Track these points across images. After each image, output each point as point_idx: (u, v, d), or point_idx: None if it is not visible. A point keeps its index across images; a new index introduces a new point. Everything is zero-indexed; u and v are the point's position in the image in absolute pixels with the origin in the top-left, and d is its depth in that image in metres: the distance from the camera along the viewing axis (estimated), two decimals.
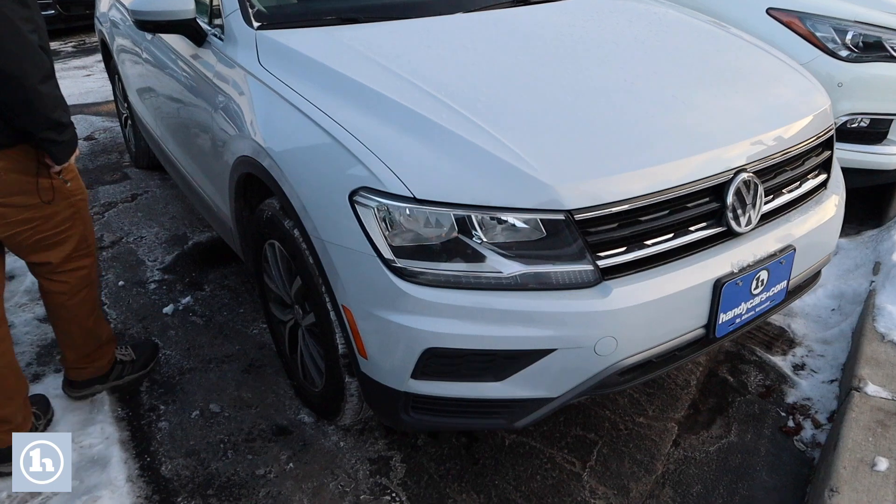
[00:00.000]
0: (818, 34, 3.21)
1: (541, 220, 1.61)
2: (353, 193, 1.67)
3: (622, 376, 1.76)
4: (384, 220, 1.63)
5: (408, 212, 1.61)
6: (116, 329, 2.79)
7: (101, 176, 4.39)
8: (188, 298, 3.00)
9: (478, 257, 1.62)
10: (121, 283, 3.12)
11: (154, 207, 3.88)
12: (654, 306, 1.68)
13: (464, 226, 1.61)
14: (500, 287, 1.62)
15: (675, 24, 2.55)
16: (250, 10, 2.33)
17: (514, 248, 1.63)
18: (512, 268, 1.61)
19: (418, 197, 1.60)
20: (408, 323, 1.64)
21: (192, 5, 2.39)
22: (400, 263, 1.63)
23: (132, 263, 3.30)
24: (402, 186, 1.61)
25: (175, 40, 2.71)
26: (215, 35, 2.44)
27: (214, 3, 2.50)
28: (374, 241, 1.64)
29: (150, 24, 2.41)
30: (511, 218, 1.60)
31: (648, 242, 1.72)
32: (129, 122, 4.22)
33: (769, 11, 3.26)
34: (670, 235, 1.75)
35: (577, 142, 1.72)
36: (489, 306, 1.62)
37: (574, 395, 1.74)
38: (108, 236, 3.58)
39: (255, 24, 2.29)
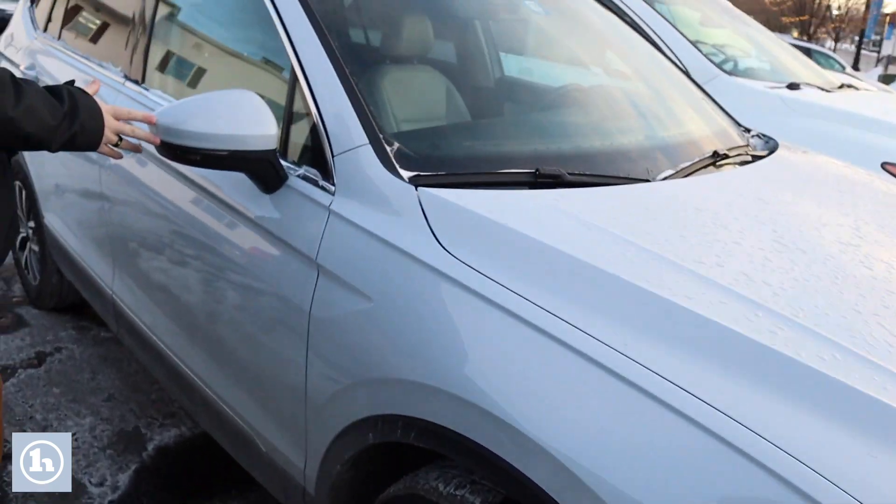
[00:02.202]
0: None
1: None
2: None
3: None
4: None
5: None
6: None
7: None
8: None
9: None
10: None
11: (76, 378, 2.63)
12: None
13: None
14: None
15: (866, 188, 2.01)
16: (389, 149, 1.45)
17: None
18: None
19: None
20: None
21: (274, 130, 1.47)
22: None
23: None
24: None
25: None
26: (310, 179, 1.51)
27: (299, 129, 1.59)
28: None
29: (193, 154, 1.47)
30: None
31: None
32: (38, 247, 2.97)
33: (884, 166, 2.96)
34: None
35: None
36: None
37: None
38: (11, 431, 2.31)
39: (405, 175, 1.41)
